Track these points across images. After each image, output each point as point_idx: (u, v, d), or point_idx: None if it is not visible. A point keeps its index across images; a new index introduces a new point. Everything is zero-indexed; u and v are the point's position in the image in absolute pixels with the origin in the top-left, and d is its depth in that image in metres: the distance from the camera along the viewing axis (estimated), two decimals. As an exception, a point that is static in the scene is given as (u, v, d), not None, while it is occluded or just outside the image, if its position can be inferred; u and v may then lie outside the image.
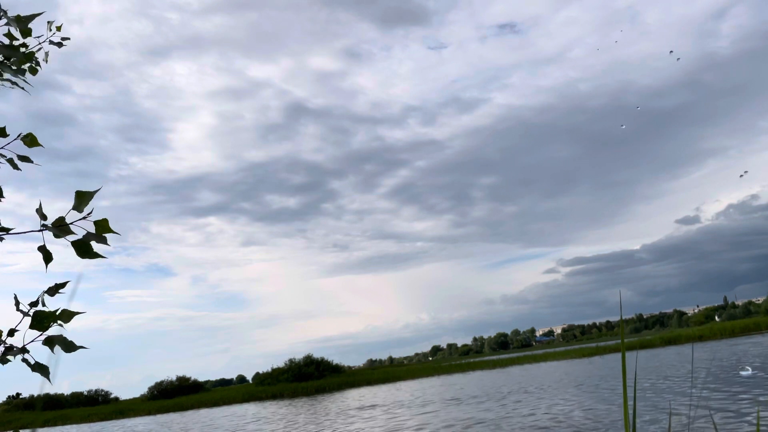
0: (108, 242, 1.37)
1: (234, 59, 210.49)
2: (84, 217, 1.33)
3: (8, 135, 1.95)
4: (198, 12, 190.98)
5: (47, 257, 1.48)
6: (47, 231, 1.36)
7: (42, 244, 1.40)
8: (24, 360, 1.60)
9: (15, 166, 1.93)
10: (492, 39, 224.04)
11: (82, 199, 1.34)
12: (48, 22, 2.37)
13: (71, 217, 1.36)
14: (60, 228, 1.34)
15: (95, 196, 1.38)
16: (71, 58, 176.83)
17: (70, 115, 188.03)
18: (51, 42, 2.36)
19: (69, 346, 1.54)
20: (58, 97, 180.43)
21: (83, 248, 1.40)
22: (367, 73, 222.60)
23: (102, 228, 1.37)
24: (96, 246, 1.46)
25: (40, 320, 1.53)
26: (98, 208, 1.42)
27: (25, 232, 1.46)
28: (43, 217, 1.37)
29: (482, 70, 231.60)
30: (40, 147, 1.92)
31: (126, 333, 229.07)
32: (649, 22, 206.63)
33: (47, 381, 1.51)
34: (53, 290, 1.63)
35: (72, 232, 1.37)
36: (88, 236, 1.36)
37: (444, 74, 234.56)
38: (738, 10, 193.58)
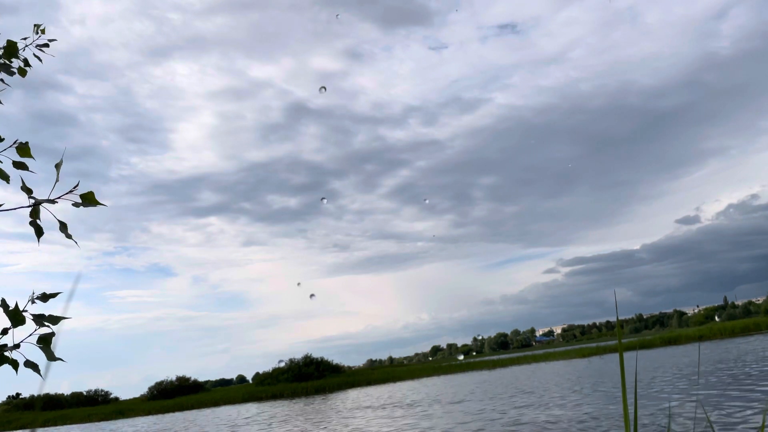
0: (97, 205, 1.38)
1: (235, 59, 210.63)
2: (71, 191, 1.35)
3: (3, 139, 1.94)
4: (199, 12, 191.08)
5: (38, 231, 1.49)
6: (37, 206, 1.38)
7: (30, 219, 1.41)
8: (11, 362, 1.63)
9: (5, 177, 1.92)
10: (493, 39, 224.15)
11: (58, 168, 1.36)
12: (35, 25, 2.31)
13: (57, 192, 1.38)
14: (48, 201, 1.35)
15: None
16: (73, 58, 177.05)
17: (71, 116, 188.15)
18: (37, 46, 2.29)
19: (50, 356, 1.59)
20: (60, 98, 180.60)
21: (64, 227, 1.42)
22: (368, 73, 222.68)
23: (88, 200, 1.39)
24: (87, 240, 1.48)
25: (14, 316, 1.56)
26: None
27: (15, 209, 1.47)
28: (29, 191, 1.38)
29: (483, 70, 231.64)
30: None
31: (126, 333, 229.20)
32: (649, 22, 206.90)
33: (45, 381, 1.54)
34: (45, 298, 1.66)
35: (55, 202, 1.38)
36: (78, 205, 1.37)
37: (445, 74, 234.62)
38: (738, 11, 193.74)
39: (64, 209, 1.47)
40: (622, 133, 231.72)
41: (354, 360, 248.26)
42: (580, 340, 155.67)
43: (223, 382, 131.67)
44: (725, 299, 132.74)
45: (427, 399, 24.64)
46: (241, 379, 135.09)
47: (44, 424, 49.53)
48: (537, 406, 16.33)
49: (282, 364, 58.06)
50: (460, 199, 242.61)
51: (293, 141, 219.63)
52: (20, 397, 69.56)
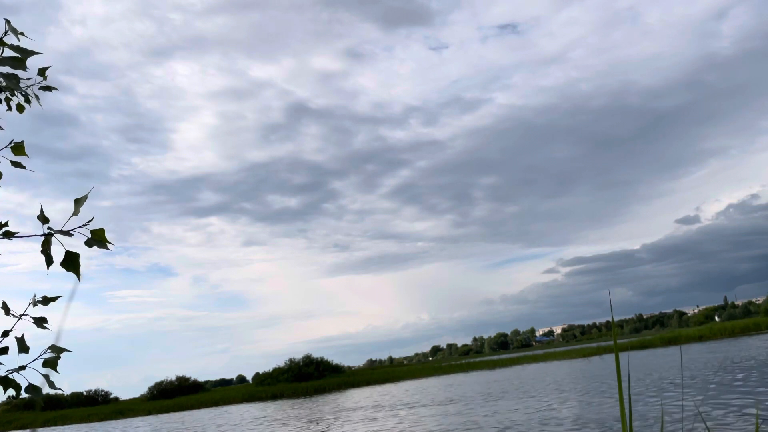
0: (108, 247, 1.40)
1: (236, 59, 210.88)
2: (84, 225, 1.36)
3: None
4: (200, 12, 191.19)
5: (48, 260, 1.51)
6: (51, 236, 1.39)
7: (42, 248, 1.43)
8: (15, 385, 1.65)
9: None
10: (493, 39, 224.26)
11: (78, 204, 1.38)
12: (39, 69, 2.39)
13: (71, 224, 1.39)
14: (62, 233, 1.37)
15: (94, 197, 1.42)
16: (73, 58, 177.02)
17: (72, 116, 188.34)
18: (41, 88, 2.38)
19: (50, 385, 1.62)
20: (61, 98, 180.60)
21: (71, 261, 1.44)
22: (368, 74, 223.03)
23: (98, 237, 1.41)
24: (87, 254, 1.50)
25: (21, 345, 1.60)
26: (100, 208, 1.46)
27: (29, 236, 1.49)
28: (45, 220, 1.40)
29: (483, 70, 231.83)
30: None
31: (126, 333, 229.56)
32: (650, 23, 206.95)
33: (47, 381, 1.57)
34: (45, 302, 1.69)
35: (70, 235, 1.40)
36: (90, 242, 1.39)
37: (445, 74, 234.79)
38: (738, 11, 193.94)
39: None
40: (623, 133, 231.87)
41: (354, 360, 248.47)
42: (580, 340, 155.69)
43: (223, 382, 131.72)
44: (725, 299, 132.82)
45: (465, 397, 23.42)
46: (241, 379, 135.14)
47: (44, 424, 49.52)
48: (585, 403, 16.00)
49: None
50: (460, 199, 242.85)
51: (294, 141, 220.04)
52: (20, 397, 69.51)
